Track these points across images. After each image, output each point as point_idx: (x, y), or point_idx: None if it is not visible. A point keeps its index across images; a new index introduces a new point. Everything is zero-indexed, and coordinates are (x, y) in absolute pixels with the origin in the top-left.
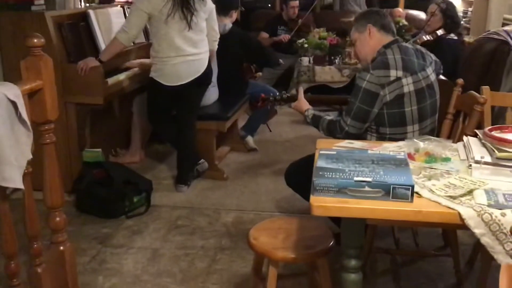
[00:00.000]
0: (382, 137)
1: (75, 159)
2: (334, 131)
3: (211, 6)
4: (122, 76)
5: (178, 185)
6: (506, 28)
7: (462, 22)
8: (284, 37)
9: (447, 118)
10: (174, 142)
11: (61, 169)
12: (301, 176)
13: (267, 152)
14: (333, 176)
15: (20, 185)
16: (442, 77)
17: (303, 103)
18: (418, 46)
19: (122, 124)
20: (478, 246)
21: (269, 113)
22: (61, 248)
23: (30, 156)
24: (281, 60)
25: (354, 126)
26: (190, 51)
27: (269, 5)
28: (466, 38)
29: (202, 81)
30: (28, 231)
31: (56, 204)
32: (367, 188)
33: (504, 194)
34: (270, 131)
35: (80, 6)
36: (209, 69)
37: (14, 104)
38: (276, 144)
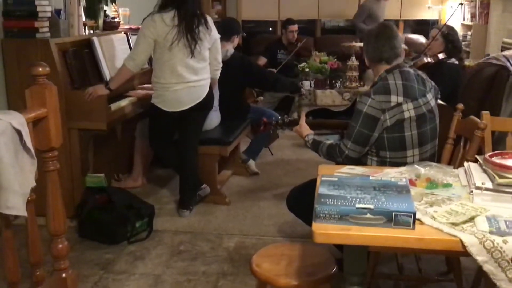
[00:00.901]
0: (382, 161)
1: (77, 184)
2: (334, 155)
3: (216, 36)
4: (125, 102)
5: (181, 210)
6: (506, 53)
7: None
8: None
9: (447, 143)
10: (176, 167)
11: (64, 194)
12: (303, 201)
13: (269, 175)
14: (335, 203)
15: (24, 213)
16: (441, 102)
17: (304, 128)
18: (419, 72)
19: (124, 148)
20: (481, 272)
21: (271, 137)
22: (64, 275)
23: (34, 184)
24: (303, 90)
25: (354, 150)
26: (191, 78)
27: (271, 29)
28: (467, 62)
29: (204, 106)
30: (30, 258)
31: (58, 231)
32: (369, 215)
33: (505, 221)
34: (272, 154)
35: (84, 33)
36: (210, 94)
37: (18, 132)
38: (278, 167)
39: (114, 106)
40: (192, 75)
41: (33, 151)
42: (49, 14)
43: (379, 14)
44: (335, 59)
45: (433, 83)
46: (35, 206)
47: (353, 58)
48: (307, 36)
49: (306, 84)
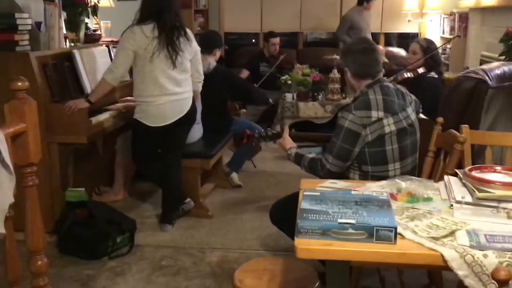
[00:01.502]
0: (364, 175)
1: (57, 199)
2: (315, 169)
3: (196, 48)
4: (106, 115)
5: (163, 224)
6: (484, 67)
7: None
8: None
9: (428, 156)
10: (159, 181)
11: (43, 209)
12: (285, 215)
13: (252, 188)
14: (317, 218)
15: (2, 230)
16: (422, 115)
17: (287, 141)
18: (399, 86)
19: (105, 162)
20: (462, 286)
21: (254, 150)
22: None
23: (12, 200)
24: (271, 100)
25: (336, 164)
26: (174, 90)
27: (253, 40)
28: (446, 74)
29: (187, 120)
30: (9, 276)
31: (37, 248)
32: (351, 230)
33: (485, 235)
34: (255, 167)
35: (65, 46)
36: (193, 108)
37: None
38: (261, 180)
39: (94, 120)
40: (175, 87)
41: (11, 167)
42: (29, 27)
43: (362, 25)
44: (317, 72)
45: (413, 97)
46: (14, 222)
47: (335, 70)
48: (289, 49)
49: (289, 97)
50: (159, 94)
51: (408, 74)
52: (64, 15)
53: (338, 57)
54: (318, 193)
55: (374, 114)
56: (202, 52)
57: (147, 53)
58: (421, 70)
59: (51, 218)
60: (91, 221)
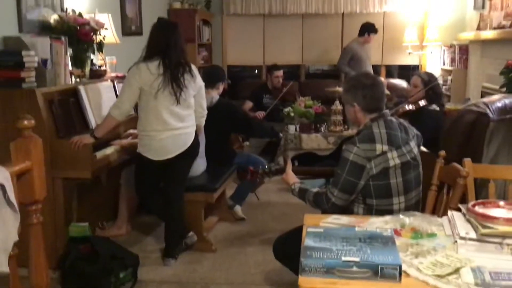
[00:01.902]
0: (369, 209)
1: (61, 234)
2: (320, 203)
3: (201, 84)
4: (110, 150)
5: (166, 258)
6: (485, 99)
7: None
8: (259, 113)
9: (431, 190)
10: (161, 214)
11: (47, 245)
12: (289, 250)
13: (255, 221)
14: (321, 256)
15: (6, 269)
16: (423, 148)
17: (290, 176)
18: (401, 120)
19: (109, 196)
20: None
21: (257, 183)
22: None
23: (17, 238)
24: (281, 134)
25: (341, 197)
26: (177, 125)
27: (256, 71)
28: (448, 105)
29: (189, 153)
30: None
31: (41, 285)
32: (355, 269)
33: (490, 273)
34: (258, 199)
35: (70, 82)
36: (196, 142)
37: (2, 187)
38: (264, 212)
39: (99, 154)
40: (178, 122)
41: (16, 205)
42: (35, 64)
43: (363, 57)
44: (320, 104)
45: (415, 131)
46: (18, 257)
47: (337, 102)
48: (292, 81)
49: (291, 129)
50: (162, 129)
51: (410, 107)
52: (70, 51)
53: (340, 89)
54: (322, 230)
55: (379, 148)
56: (206, 86)
57: (152, 89)
58: (422, 103)
59: (55, 253)
60: (94, 257)
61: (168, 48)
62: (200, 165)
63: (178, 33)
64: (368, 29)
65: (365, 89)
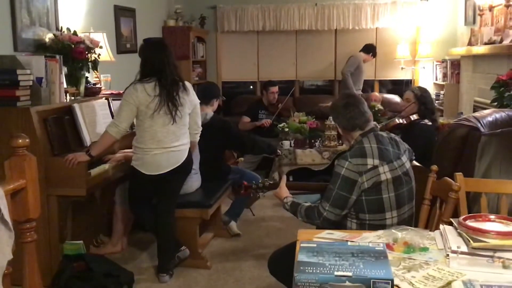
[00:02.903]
0: (362, 224)
1: (55, 252)
2: (312, 217)
3: (196, 101)
4: (104, 167)
5: (160, 274)
6: (476, 114)
7: (436, 106)
8: (266, 121)
9: (424, 204)
10: (154, 230)
11: (41, 263)
12: (283, 265)
13: (250, 236)
14: (314, 271)
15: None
16: (416, 163)
17: (283, 191)
18: (392, 135)
19: (104, 213)
20: None
21: (252, 198)
22: None
23: (11, 257)
24: (279, 151)
25: (333, 212)
26: (172, 144)
27: (251, 87)
28: (441, 120)
29: (182, 170)
30: None
31: None
32: (348, 283)
33: (481, 286)
34: (253, 215)
35: (65, 100)
36: (189, 158)
37: None
38: (260, 228)
39: (93, 172)
40: (173, 141)
41: (10, 223)
42: (30, 83)
43: (364, 71)
44: (314, 119)
45: (406, 146)
46: (11, 276)
47: (331, 117)
48: (285, 96)
49: (286, 144)
50: (157, 147)
51: (400, 120)
52: (64, 70)
53: None
54: (315, 245)
55: (370, 162)
56: (200, 103)
57: (149, 110)
58: (414, 117)
59: (49, 272)
60: (88, 275)
61: (163, 67)
62: (194, 181)
63: (169, 51)
64: (373, 50)
65: (340, 109)
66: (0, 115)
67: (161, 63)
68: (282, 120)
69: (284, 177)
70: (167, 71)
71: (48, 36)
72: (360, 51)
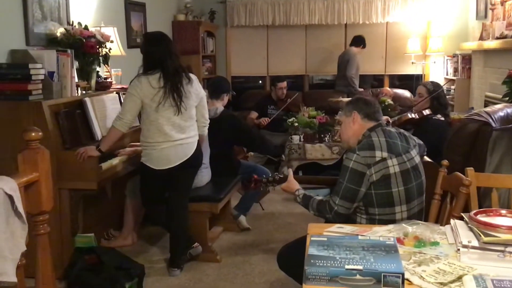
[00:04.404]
0: (371, 219)
1: (67, 245)
2: (323, 211)
3: (202, 94)
4: (115, 161)
5: (171, 268)
6: (487, 109)
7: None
8: (263, 120)
9: (434, 199)
10: (166, 225)
11: (53, 256)
12: (293, 260)
13: (260, 231)
14: (325, 264)
15: (14, 279)
16: (427, 158)
17: (293, 184)
18: (401, 130)
19: (114, 206)
20: None
21: (262, 192)
22: None
23: (24, 248)
24: (283, 156)
25: (343, 205)
26: (178, 137)
27: (260, 82)
28: (452, 115)
29: (192, 163)
30: None
31: None
32: (358, 277)
33: (492, 280)
34: (263, 209)
35: (77, 94)
36: (198, 151)
37: (10, 197)
38: (269, 222)
39: (104, 166)
40: (179, 134)
41: (24, 216)
42: (42, 77)
43: (359, 66)
44: (323, 114)
45: (417, 140)
46: (24, 268)
47: (341, 112)
48: (295, 91)
49: (296, 139)
50: (163, 141)
51: (413, 115)
52: (76, 64)
53: (344, 99)
54: (325, 239)
55: (378, 154)
56: (211, 97)
57: (153, 103)
58: (426, 112)
59: (61, 264)
60: (100, 267)
61: (164, 58)
62: (204, 175)
63: (170, 41)
64: (363, 42)
65: (365, 100)
66: (13, 109)
67: (161, 54)
68: (291, 115)
69: (291, 171)
70: (168, 61)
71: (59, 31)
72: (351, 45)
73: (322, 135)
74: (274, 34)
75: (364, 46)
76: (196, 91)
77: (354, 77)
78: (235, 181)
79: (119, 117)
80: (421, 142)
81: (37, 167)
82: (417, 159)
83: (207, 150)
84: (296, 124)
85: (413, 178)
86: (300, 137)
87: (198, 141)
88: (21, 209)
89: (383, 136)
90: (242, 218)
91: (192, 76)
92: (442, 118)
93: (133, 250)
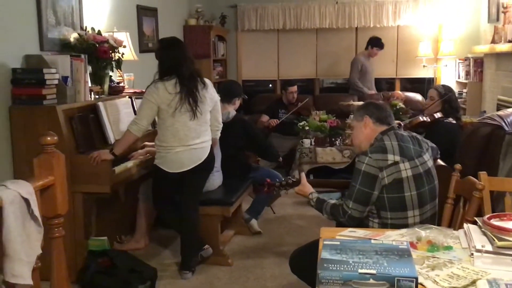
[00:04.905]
0: (383, 223)
1: (80, 248)
2: (337, 215)
3: (216, 98)
4: (129, 164)
5: (183, 271)
6: (500, 113)
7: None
8: (272, 121)
9: (447, 203)
10: (178, 228)
11: (66, 259)
12: (305, 263)
13: (271, 234)
14: (338, 268)
15: (29, 282)
16: (440, 161)
17: (307, 187)
18: (414, 134)
19: (127, 210)
20: None
21: (273, 196)
22: None
23: (40, 251)
24: (280, 159)
25: (356, 209)
26: (193, 141)
27: (270, 85)
28: (463, 118)
29: (205, 167)
30: None
31: None
32: (372, 281)
33: (506, 285)
34: (274, 213)
35: (90, 99)
36: (211, 155)
37: (26, 201)
38: (280, 226)
39: (118, 169)
40: (195, 138)
41: (40, 219)
42: (56, 82)
43: (369, 70)
44: (334, 117)
45: (430, 144)
46: (40, 270)
47: (352, 116)
48: (306, 95)
49: (307, 142)
50: (178, 145)
51: (424, 118)
52: (89, 69)
53: (355, 103)
54: (338, 243)
55: (390, 158)
56: (222, 101)
57: (170, 108)
58: (438, 115)
59: (74, 267)
60: (113, 270)
61: (180, 63)
62: (216, 179)
63: (184, 46)
64: (371, 42)
65: (376, 104)
66: (27, 114)
67: (176, 59)
68: (302, 118)
69: (303, 174)
70: (183, 67)
71: (73, 36)
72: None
73: (333, 139)
74: (285, 38)
75: (373, 46)
76: (210, 95)
77: (357, 81)
78: (247, 184)
79: (135, 122)
80: (434, 145)
81: (52, 171)
82: (430, 163)
83: (219, 154)
84: (307, 127)
85: (426, 182)
86: (311, 141)
87: (211, 145)
88: (37, 212)
89: (396, 140)
90: (254, 222)
91: (207, 80)
92: (454, 121)
93: (145, 253)
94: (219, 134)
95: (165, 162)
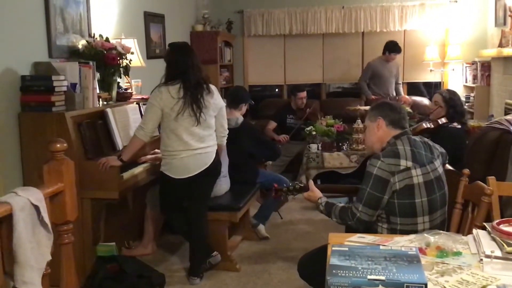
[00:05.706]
0: (393, 228)
1: (89, 254)
2: (346, 218)
3: (221, 104)
4: (137, 170)
5: (191, 277)
6: (508, 117)
7: (466, 108)
8: (283, 137)
9: (456, 208)
10: (185, 233)
11: (76, 265)
12: (314, 269)
13: (279, 240)
14: (347, 274)
15: None
16: (449, 166)
17: (316, 192)
18: (425, 139)
19: (135, 215)
20: None
21: (280, 201)
22: None
23: (50, 258)
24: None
25: (366, 212)
26: (197, 146)
27: (276, 90)
28: (471, 122)
29: (211, 172)
30: None
31: None
32: (381, 287)
33: None
34: (282, 218)
35: (98, 105)
36: (217, 161)
37: (36, 208)
38: (288, 231)
39: (126, 175)
40: (198, 143)
41: (49, 226)
42: (65, 88)
43: (385, 75)
44: (341, 122)
45: (440, 149)
46: (49, 277)
47: (359, 121)
48: (313, 99)
49: (314, 147)
50: (183, 150)
51: (428, 125)
52: (97, 75)
53: (362, 107)
54: (347, 249)
55: (403, 163)
56: (229, 107)
57: (173, 112)
58: (442, 121)
59: (83, 273)
60: (121, 276)
61: (187, 69)
62: (223, 184)
63: (194, 53)
64: (387, 47)
65: (390, 106)
66: (36, 120)
67: (184, 65)
68: (309, 123)
69: (311, 181)
70: (190, 73)
71: (81, 43)
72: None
73: (340, 144)
74: (291, 43)
75: (390, 52)
76: (215, 101)
77: (364, 84)
78: (254, 190)
79: (141, 126)
80: (444, 151)
81: (62, 177)
82: (441, 170)
83: (226, 160)
84: (314, 132)
85: (437, 189)
86: (318, 146)
87: (217, 150)
88: (46, 219)
89: (409, 145)
90: (261, 227)
91: (212, 87)
92: (459, 126)
93: (153, 258)
94: (225, 141)
95: (171, 168)
